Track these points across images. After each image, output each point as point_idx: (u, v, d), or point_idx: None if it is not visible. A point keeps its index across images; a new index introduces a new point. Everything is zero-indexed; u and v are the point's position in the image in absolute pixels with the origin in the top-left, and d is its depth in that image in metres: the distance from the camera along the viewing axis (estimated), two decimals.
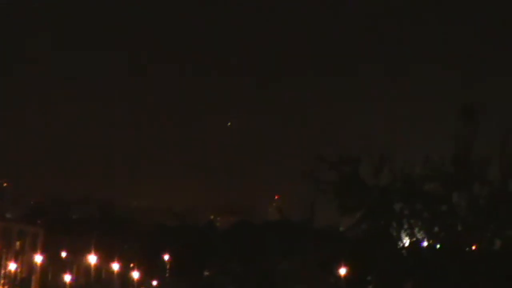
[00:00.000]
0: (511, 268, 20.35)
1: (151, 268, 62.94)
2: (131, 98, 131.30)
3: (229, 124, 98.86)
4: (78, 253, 63.39)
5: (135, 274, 62.80)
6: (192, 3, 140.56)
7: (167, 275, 63.38)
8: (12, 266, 61.37)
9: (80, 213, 73.18)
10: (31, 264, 62.81)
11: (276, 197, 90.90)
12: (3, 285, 60.74)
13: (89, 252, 61.34)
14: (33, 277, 63.40)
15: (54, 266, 63.82)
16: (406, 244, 21.99)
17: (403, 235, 21.75)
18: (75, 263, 64.70)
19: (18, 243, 63.16)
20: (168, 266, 63.41)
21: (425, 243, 22.04)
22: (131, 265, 64.22)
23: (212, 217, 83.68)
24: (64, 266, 63.61)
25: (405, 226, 21.51)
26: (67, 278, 61.29)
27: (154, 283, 63.34)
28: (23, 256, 62.95)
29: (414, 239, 21.65)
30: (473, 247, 22.01)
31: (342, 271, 35.68)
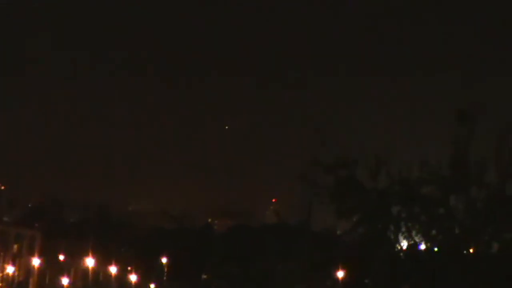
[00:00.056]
0: (509, 271, 20.34)
1: (148, 272, 62.83)
2: (131, 98, 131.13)
3: (227, 127, 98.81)
4: (75, 256, 63.28)
5: (133, 278, 62.65)
6: (192, 3, 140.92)
7: (164, 278, 63.25)
8: (9, 269, 61.18)
9: (78, 216, 73.03)
10: (28, 267, 62.66)
11: (273, 200, 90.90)
12: None
13: (86, 255, 61.22)
14: (31, 280, 63.23)
15: (52, 269, 63.71)
16: (404, 247, 21.96)
17: (400, 238, 21.72)
18: (73, 266, 64.59)
19: (15, 246, 63.01)
20: (166, 270, 63.29)
21: (423, 246, 22.01)
22: (129, 268, 64.10)
23: (209, 220, 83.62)
24: (62, 269, 63.50)
25: (403, 229, 21.49)
26: (65, 281, 61.12)
27: (152, 286, 63.19)
28: (20, 259, 62.81)
29: (412, 242, 21.62)
30: (471, 250, 22.00)
31: (340, 274, 35.61)
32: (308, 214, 51.71)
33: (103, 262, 62.71)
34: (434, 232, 21.72)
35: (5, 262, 60.90)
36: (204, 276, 62.72)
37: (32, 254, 61.84)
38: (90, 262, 61.11)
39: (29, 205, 74.85)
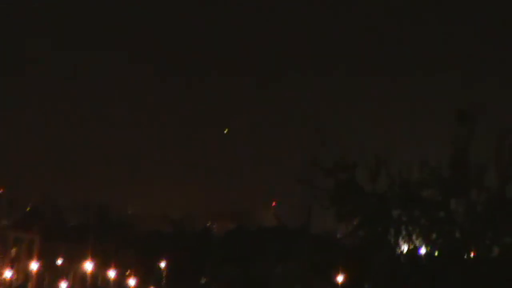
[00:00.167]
0: (509, 275, 20.20)
1: (147, 275, 62.61)
2: (131, 98, 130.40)
3: (225, 131, 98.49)
4: (74, 260, 63.04)
5: (132, 281, 62.41)
6: (192, 3, 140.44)
7: (164, 282, 63.02)
8: (7, 273, 60.90)
9: (76, 219, 72.78)
10: (26, 271, 62.38)
11: (273, 203, 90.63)
12: None
13: (85, 259, 60.98)
14: (29, 284, 62.97)
15: (50, 273, 63.47)
16: (404, 251, 21.83)
17: (401, 241, 21.58)
18: (71, 270, 64.35)
19: (13, 250, 62.76)
20: (164, 273, 63.07)
21: (423, 250, 21.89)
22: (128, 272, 63.86)
23: (208, 223, 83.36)
24: (60, 273, 63.28)
25: (403, 233, 21.35)
26: (63, 285, 60.86)
27: None
28: (18, 263, 62.55)
29: (412, 246, 21.48)
30: (471, 254, 21.86)
31: (339, 278, 35.44)
32: (308, 217, 51.58)
33: (102, 266, 62.46)
34: (434, 235, 21.59)
35: (3, 266, 60.64)
36: (203, 280, 62.51)
37: (30, 258, 61.57)
38: (88, 266, 60.86)
39: (28, 208, 74.61)
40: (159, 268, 63.19)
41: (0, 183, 73.36)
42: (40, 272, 62.28)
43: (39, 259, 61.44)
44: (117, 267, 62.47)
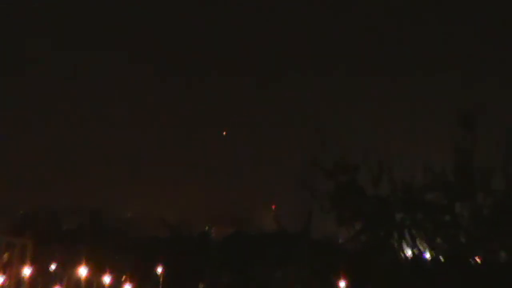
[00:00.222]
0: None
1: (144, 281, 61.73)
2: (131, 98, 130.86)
3: (224, 133, 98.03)
4: (68, 265, 62.18)
5: (127, 287, 61.42)
6: (192, 3, 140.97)
7: (160, 287, 62.07)
8: None
9: (70, 224, 71.85)
10: (19, 277, 61.46)
11: (273, 207, 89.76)
12: None
13: (79, 264, 60.08)
14: None
15: (43, 278, 62.60)
16: (408, 256, 21.11)
17: (404, 246, 20.87)
18: (65, 275, 63.44)
19: (5, 255, 61.88)
20: (161, 279, 62.14)
21: (427, 255, 21.15)
22: (123, 277, 62.96)
23: (206, 228, 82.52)
24: (54, 278, 62.38)
25: (407, 237, 20.63)
26: None
27: None
28: (11, 269, 61.65)
29: (416, 250, 20.75)
30: (477, 259, 21.13)
31: (341, 284, 34.62)
32: (308, 220, 50.81)
33: (96, 271, 61.54)
34: (439, 240, 20.90)
35: None
36: (201, 285, 61.59)
37: (23, 263, 60.66)
38: (83, 271, 59.92)
39: (20, 212, 73.68)
40: (156, 274, 62.23)
41: None
42: (33, 277, 61.32)
43: (32, 264, 60.53)
44: (112, 272, 61.56)
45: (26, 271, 59.78)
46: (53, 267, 63.03)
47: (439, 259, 21.15)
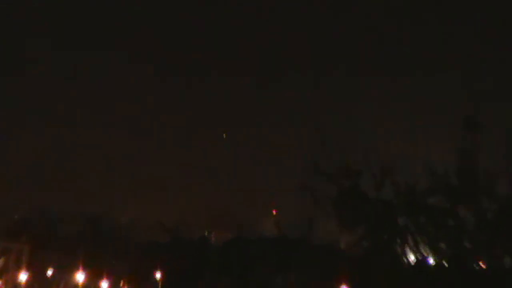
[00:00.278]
0: None
1: (142, 286, 61.02)
2: (131, 98, 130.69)
3: (224, 135, 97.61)
4: (65, 270, 61.46)
5: None
6: (192, 3, 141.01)
7: None
8: None
9: (67, 229, 71.18)
10: (15, 283, 60.75)
11: (274, 212, 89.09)
12: None
13: (76, 269, 59.39)
14: None
15: (40, 284, 61.84)
16: (411, 261, 20.47)
17: (407, 251, 20.22)
18: (62, 281, 62.71)
19: (2, 260, 61.24)
20: (160, 284, 61.44)
21: (431, 260, 20.51)
22: (121, 282, 62.29)
23: (206, 232, 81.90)
24: (50, 284, 61.70)
25: (410, 242, 20.00)
26: None
27: None
28: (7, 274, 60.97)
29: (419, 256, 20.10)
30: (481, 264, 20.54)
31: None
32: (309, 225, 50.16)
33: (94, 277, 60.81)
34: (442, 245, 20.28)
35: None
36: None
37: (19, 268, 59.96)
38: (80, 276, 59.21)
39: (16, 216, 73.00)
40: (155, 279, 61.53)
41: None
42: (29, 283, 60.60)
43: (28, 269, 59.82)
44: (110, 277, 60.87)
45: (23, 276, 59.11)
46: (50, 272, 62.32)
47: (443, 264, 20.54)
